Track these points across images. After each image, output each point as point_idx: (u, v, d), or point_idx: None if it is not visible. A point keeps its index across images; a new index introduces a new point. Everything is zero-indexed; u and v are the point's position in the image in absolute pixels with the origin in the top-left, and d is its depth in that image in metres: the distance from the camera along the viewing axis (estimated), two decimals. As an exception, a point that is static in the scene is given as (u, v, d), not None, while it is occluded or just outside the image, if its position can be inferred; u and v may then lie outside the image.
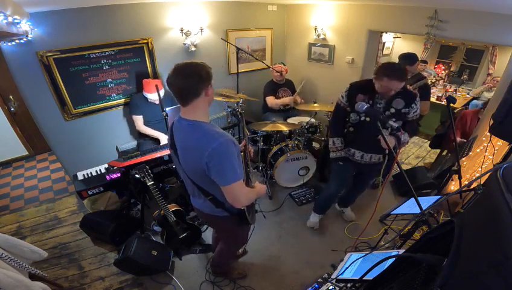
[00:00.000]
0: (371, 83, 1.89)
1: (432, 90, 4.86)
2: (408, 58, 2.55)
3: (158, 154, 2.42)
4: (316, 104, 3.24)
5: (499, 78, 4.05)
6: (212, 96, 1.29)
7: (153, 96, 2.76)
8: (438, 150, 3.58)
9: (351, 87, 1.98)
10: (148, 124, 2.88)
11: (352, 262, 1.45)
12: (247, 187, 1.37)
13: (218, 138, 1.18)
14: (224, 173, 1.21)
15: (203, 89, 1.21)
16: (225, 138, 1.20)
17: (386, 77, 1.72)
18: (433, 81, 2.40)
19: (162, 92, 2.78)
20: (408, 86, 2.41)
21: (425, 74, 3.99)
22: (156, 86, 2.55)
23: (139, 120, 2.85)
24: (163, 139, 2.80)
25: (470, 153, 2.63)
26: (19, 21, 1.65)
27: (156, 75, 3.10)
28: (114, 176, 2.30)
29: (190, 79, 1.17)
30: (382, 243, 2.27)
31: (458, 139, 3.06)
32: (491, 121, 1.75)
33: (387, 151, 2.02)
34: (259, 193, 1.49)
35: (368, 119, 1.90)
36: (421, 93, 2.43)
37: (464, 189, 1.95)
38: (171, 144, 1.37)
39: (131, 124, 2.96)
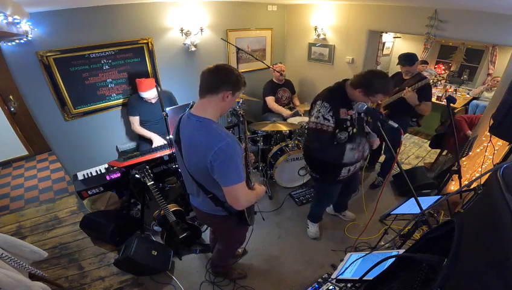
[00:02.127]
0: (341, 92, 1.73)
1: (432, 91, 4.90)
2: (407, 59, 2.52)
3: (158, 154, 2.42)
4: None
5: (499, 78, 4.05)
6: (229, 105, 1.28)
7: (147, 95, 2.74)
8: (438, 150, 3.58)
9: (332, 105, 1.68)
10: (146, 124, 2.88)
11: (352, 262, 1.45)
12: (247, 189, 1.37)
13: (226, 137, 1.19)
14: (227, 173, 1.21)
15: (222, 91, 1.22)
16: (232, 138, 1.21)
17: (381, 93, 1.59)
18: (434, 81, 2.38)
19: (154, 92, 2.74)
20: (407, 89, 2.41)
21: (425, 74, 3.99)
22: (156, 86, 2.55)
23: (135, 121, 2.85)
24: (157, 141, 2.78)
25: (470, 153, 2.63)
26: (19, 21, 1.65)
27: (156, 75, 3.10)
28: (114, 176, 2.31)
29: (218, 76, 1.21)
30: (382, 243, 2.27)
31: (469, 132, 3.05)
32: (491, 121, 1.75)
33: (370, 150, 2.00)
34: (259, 195, 1.48)
35: (355, 130, 1.78)
36: (422, 94, 2.43)
37: (464, 189, 1.95)
38: (176, 140, 1.37)
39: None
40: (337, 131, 1.73)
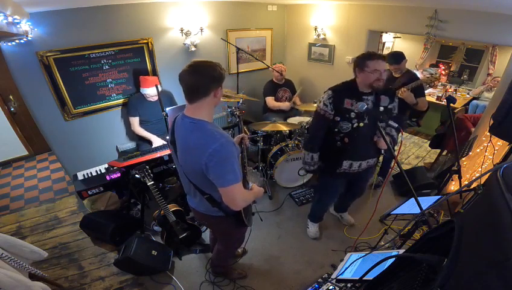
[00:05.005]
0: (351, 84, 1.79)
1: (432, 90, 4.91)
2: (394, 58, 2.57)
3: (158, 154, 2.42)
4: (316, 104, 3.24)
5: (499, 78, 4.05)
6: (220, 98, 1.28)
7: (150, 91, 2.73)
8: (438, 150, 3.58)
9: (335, 93, 1.78)
10: (147, 124, 2.88)
11: (352, 262, 1.45)
12: (244, 189, 1.37)
13: (220, 138, 1.18)
14: (223, 174, 1.20)
15: (212, 90, 1.21)
16: (226, 139, 1.20)
17: (368, 60, 1.65)
18: (428, 82, 2.38)
19: (159, 88, 2.76)
20: (403, 89, 2.42)
21: (425, 73, 4.00)
22: (156, 86, 2.55)
23: (135, 121, 2.85)
24: (156, 141, 2.78)
25: (470, 153, 2.63)
26: (19, 21, 1.65)
27: (156, 75, 3.10)
28: (114, 176, 2.30)
29: (202, 77, 1.18)
30: (382, 243, 2.27)
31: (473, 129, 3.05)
32: (491, 121, 1.75)
33: (382, 151, 1.97)
34: (256, 195, 1.48)
35: (361, 124, 1.78)
36: (416, 92, 2.46)
37: (464, 189, 1.95)
38: (172, 141, 1.37)
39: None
40: (338, 119, 1.79)
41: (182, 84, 1.20)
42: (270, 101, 3.54)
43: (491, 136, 2.03)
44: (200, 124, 1.23)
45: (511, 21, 2.18)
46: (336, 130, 1.83)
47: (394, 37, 5.95)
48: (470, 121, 3.15)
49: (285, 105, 3.49)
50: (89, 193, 2.28)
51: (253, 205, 1.74)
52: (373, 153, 1.97)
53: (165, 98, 2.89)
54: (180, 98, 3.19)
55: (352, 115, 1.76)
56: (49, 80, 2.50)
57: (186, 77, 1.18)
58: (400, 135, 1.60)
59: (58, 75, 2.52)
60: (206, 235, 2.54)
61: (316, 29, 3.65)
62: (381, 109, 1.80)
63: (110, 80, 2.85)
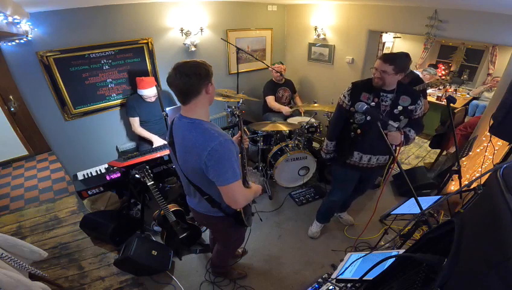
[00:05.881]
0: (370, 80, 1.85)
1: (432, 90, 4.91)
2: None
3: (158, 154, 2.42)
4: (316, 104, 3.24)
5: (499, 78, 4.05)
6: (213, 94, 1.29)
7: (148, 92, 2.74)
8: (438, 150, 3.58)
9: (354, 86, 1.89)
10: (146, 124, 2.88)
11: (352, 262, 1.45)
12: (244, 187, 1.37)
13: (218, 137, 1.18)
14: (223, 173, 1.20)
15: (202, 88, 1.20)
16: (225, 137, 1.20)
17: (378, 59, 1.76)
18: (438, 84, 2.40)
19: (154, 90, 2.77)
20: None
21: (425, 73, 4.00)
22: (156, 86, 2.55)
23: (135, 122, 2.84)
24: (157, 141, 2.78)
25: (470, 153, 2.63)
26: (19, 21, 1.65)
27: (156, 75, 3.10)
28: (114, 176, 2.30)
29: (189, 78, 1.17)
30: (382, 243, 2.27)
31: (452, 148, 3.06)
32: (491, 121, 1.75)
33: (394, 147, 1.98)
34: (255, 192, 1.49)
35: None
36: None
37: (463, 189, 1.95)
38: (170, 142, 1.37)
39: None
40: (353, 110, 1.84)
41: (171, 88, 1.21)
42: (271, 101, 3.54)
43: (491, 136, 2.03)
44: (198, 124, 1.24)
45: (511, 21, 2.18)
46: (351, 120, 1.90)
47: (394, 37, 5.96)
48: (467, 130, 3.13)
49: (285, 109, 3.48)
50: (89, 193, 2.27)
51: (252, 205, 1.74)
52: (383, 150, 1.96)
53: (164, 98, 2.89)
54: (179, 98, 3.19)
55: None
56: (49, 80, 2.50)
57: (173, 81, 1.18)
58: (401, 135, 1.61)
59: (58, 75, 2.52)
60: (206, 235, 2.54)
61: (316, 29, 3.65)
62: (400, 108, 1.80)
63: (110, 80, 2.85)
